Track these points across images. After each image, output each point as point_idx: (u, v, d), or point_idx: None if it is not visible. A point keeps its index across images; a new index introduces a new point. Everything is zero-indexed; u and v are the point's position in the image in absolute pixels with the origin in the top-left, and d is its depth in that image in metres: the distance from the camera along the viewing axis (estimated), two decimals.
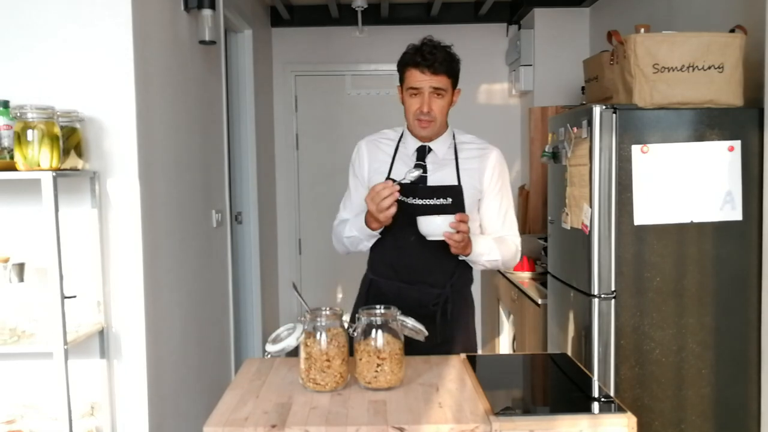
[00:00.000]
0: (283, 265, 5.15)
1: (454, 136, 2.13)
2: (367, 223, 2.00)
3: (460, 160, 2.09)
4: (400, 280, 2.09)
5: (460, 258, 2.06)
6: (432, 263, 2.07)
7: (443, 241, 1.91)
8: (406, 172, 1.99)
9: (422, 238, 1.94)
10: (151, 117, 2.48)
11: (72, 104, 2.24)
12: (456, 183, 2.07)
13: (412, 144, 2.11)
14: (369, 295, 2.13)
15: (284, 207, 5.12)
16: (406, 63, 2.02)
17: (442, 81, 1.99)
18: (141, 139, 2.36)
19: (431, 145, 2.09)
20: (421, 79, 1.98)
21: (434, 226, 1.88)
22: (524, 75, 4.49)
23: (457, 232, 1.87)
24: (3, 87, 2.25)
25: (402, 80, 2.06)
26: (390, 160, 2.12)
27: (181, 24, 2.86)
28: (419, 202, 2.03)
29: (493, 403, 1.51)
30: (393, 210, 1.90)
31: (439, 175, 2.07)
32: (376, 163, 2.13)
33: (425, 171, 2.07)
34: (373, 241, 2.09)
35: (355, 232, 2.07)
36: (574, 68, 3.92)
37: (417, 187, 2.04)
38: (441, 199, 2.04)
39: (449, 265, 2.08)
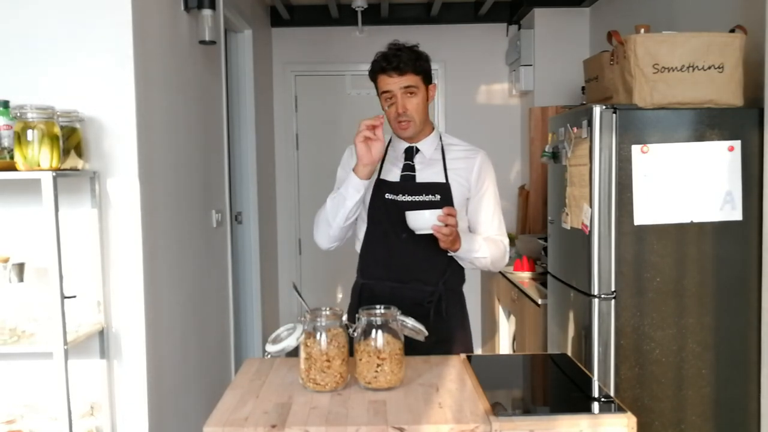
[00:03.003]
0: (283, 265, 5.15)
1: (441, 138, 2.18)
2: (355, 172, 2.00)
3: (447, 161, 2.13)
4: (392, 279, 2.10)
5: (449, 254, 2.08)
6: (424, 261, 2.09)
7: (434, 238, 1.93)
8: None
9: (413, 235, 1.97)
10: (151, 117, 2.48)
11: (72, 104, 2.24)
12: (444, 180, 2.10)
13: (400, 146, 2.15)
14: (361, 300, 2.12)
15: (284, 207, 5.12)
16: (374, 71, 2.07)
17: (410, 79, 2.02)
18: (141, 139, 2.36)
19: (418, 145, 2.13)
20: (389, 82, 2.03)
21: (422, 220, 1.90)
22: (524, 75, 4.49)
23: (446, 225, 1.89)
24: (3, 87, 2.25)
25: (376, 89, 2.10)
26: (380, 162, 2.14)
27: (181, 24, 2.86)
28: (408, 198, 2.07)
29: (493, 403, 1.51)
30: (379, 150, 1.95)
31: (427, 173, 2.11)
32: None
33: (413, 170, 2.10)
34: (357, 197, 2.02)
35: (341, 190, 2.04)
36: (574, 68, 3.92)
37: (405, 184, 2.06)
38: (429, 196, 2.07)
39: (441, 262, 2.10)
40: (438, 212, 1.89)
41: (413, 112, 2.04)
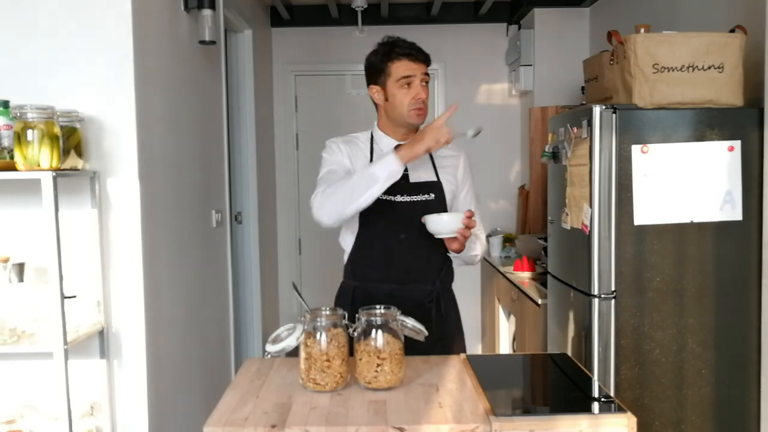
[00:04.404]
0: (283, 265, 5.15)
1: None
2: (399, 155, 1.89)
3: (435, 159, 2.15)
4: (391, 281, 2.08)
5: (448, 254, 2.10)
6: (422, 260, 2.09)
7: (433, 238, 1.95)
8: (467, 129, 1.97)
9: (412, 236, 1.99)
10: (151, 117, 2.48)
11: (72, 104, 2.24)
12: (435, 179, 2.12)
13: (387, 143, 2.12)
14: (355, 303, 2.04)
15: (284, 207, 5.12)
16: (391, 57, 2.04)
17: (426, 70, 2.07)
18: (141, 139, 2.36)
19: (407, 143, 2.10)
20: (414, 67, 2.03)
21: (443, 224, 1.91)
22: (524, 75, 4.49)
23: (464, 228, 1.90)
24: (3, 87, 2.25)
25: (386, 75, 2.05)
26: (368, 161, 2.10)
27: (181, 24, 2.86)
28: (406, 198, 2.06)
29: (493, 403, 1.51)
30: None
31: (418, 173, 2.10)
32: (356, 158, 2.11)
33: (406, 169, 1.98)
34: (387, 185, 1.89)
35: (375, 170, 1.89)
36: (574, 68, 3.92)
37: (400, 184, 2.03)
38: (424, 195, 2.08)
39: (438, 261, 2.11)
40: (456, 215, 1.90)
41: (427, 102, 2.06)
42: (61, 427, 2.04)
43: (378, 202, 2.00)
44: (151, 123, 2.47)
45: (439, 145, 1.90)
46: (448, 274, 2.17)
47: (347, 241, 2.15)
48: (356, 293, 2.11)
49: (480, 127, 1.98)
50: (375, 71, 2.09)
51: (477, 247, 2.12)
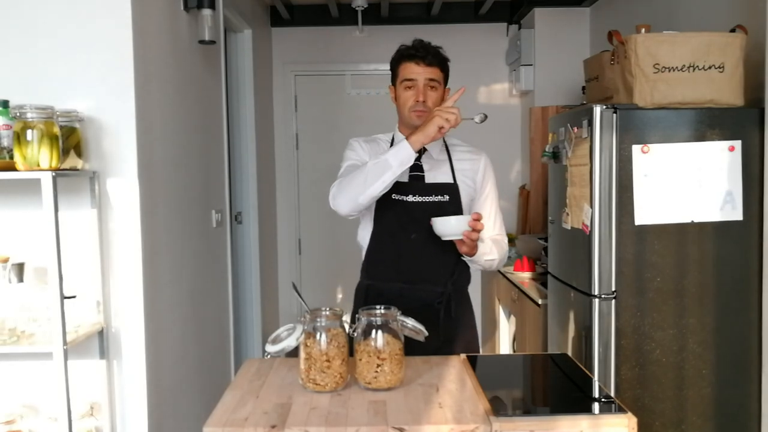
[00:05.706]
0: (283, 265, 5.15)
1: (444, 137, 2.15)
2: (410, 142, 1.89)
3: (453, 161, 2.14)
4: (401, 280, 2.08)
5: (462, 257, 2.07)
6: (434, 261, 2.08)
7: (446, 240, 1.94)
8: (474, 115, 2.00)
9: (423, 236, 1.98)
10: (151, 117, 2.48)
11: (72, 104, 2.24)
12: (452, 181, 2.11)
13: None
14: (368, 301, 2.08)
15: (284, 207, 5.12)
16: (400, 57, 2.09)
17: (435, 73, 2.06)
18: (141, 139, 2.36)
19: (425, 144, 2.10)
20: (416, 70, 2.05)
21: (449, 226, 1.90)
22: (524, 75, 4.49)
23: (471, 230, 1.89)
24: (3, 87, 2.24)
25: (396, 76, 2.12)
26: None
27: (181, 24, 2.86)
28: (419, 199, 2.06)
29: (493, 403, 1.51)
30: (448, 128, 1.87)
31: (435, 174, 2.11)
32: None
33: (422, 170, 2.08)
34: (400, 172, 1.90)
35: (387, 156, 1.90)
36: (574, 68, 3.92)
37: (414, 185, 2.06)
38: (439, 197, 2.07)
39: (450, 263, 2.10)
40: (464, 218, 1.89)
41: (431, 105, 2.05)
42: (61, 427, 2.04)
43: (391, 202, 2.04)
44: (151, 123, 2.47)
45: (450, 124, 1.86)
46: (462, 277, 2.15)
47: (364, 239, 2.16)
48: (369, 291, 2.13)
49: (485, 114, 2.02)
50: (391, 72, 2.15)
51: (494, 252, 2.08)
